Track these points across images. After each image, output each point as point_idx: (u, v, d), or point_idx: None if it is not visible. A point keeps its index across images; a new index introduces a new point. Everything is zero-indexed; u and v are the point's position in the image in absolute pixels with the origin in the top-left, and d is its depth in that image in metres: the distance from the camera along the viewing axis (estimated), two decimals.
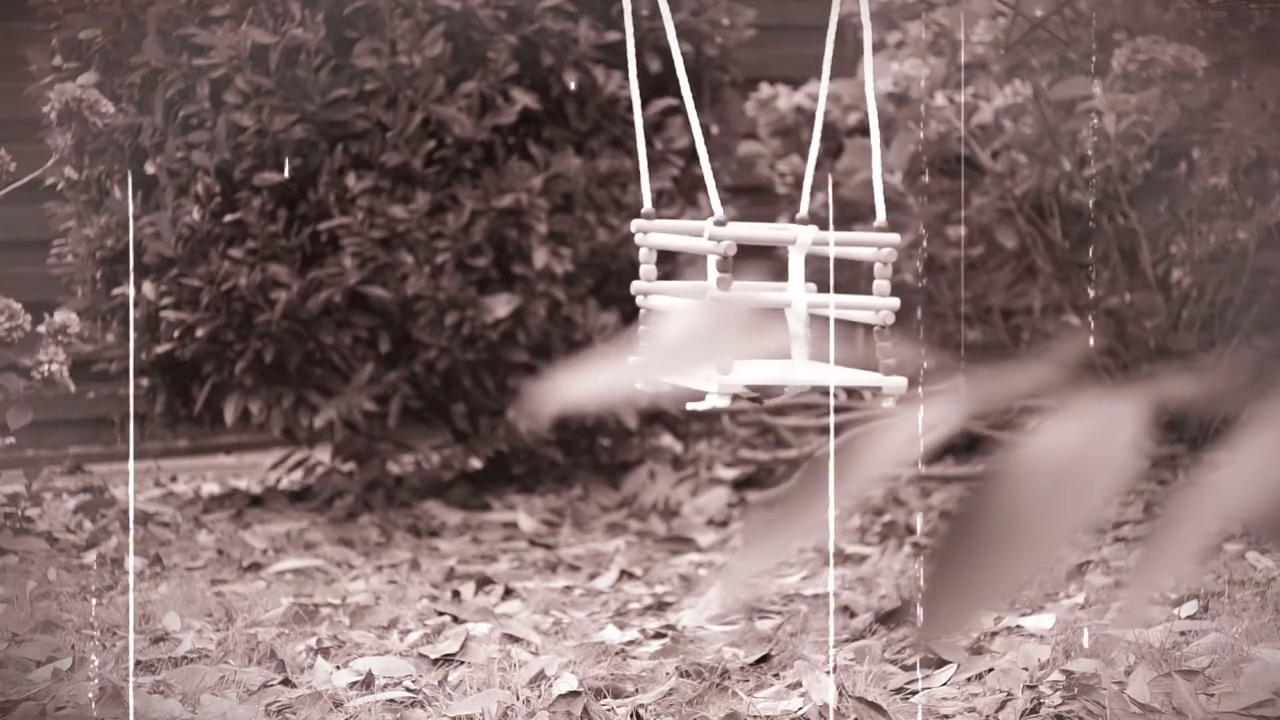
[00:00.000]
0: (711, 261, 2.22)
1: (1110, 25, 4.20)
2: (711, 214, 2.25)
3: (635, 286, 2.32)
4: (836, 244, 2.33)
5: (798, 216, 2.42)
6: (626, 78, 4.38)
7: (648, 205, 2.35)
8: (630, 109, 4.42)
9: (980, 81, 4.46)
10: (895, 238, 2.26)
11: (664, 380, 2.21)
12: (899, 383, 2.23)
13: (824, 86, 2.52)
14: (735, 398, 2.17)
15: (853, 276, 4.65)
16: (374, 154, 4.22)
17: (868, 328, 2.32)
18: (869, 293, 2.30)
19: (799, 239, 2.24)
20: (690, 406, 2.22)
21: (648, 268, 2.32)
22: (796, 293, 2.24)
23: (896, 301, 2.23)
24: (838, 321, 2.29)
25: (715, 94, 4.72)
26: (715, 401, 2.15)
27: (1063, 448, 0.61)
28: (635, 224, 2.33)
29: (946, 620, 0.63)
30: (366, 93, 4.22)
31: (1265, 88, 3.83)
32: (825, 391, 2.29)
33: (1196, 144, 4.21)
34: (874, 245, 2.26)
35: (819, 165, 2.60)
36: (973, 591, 0.61)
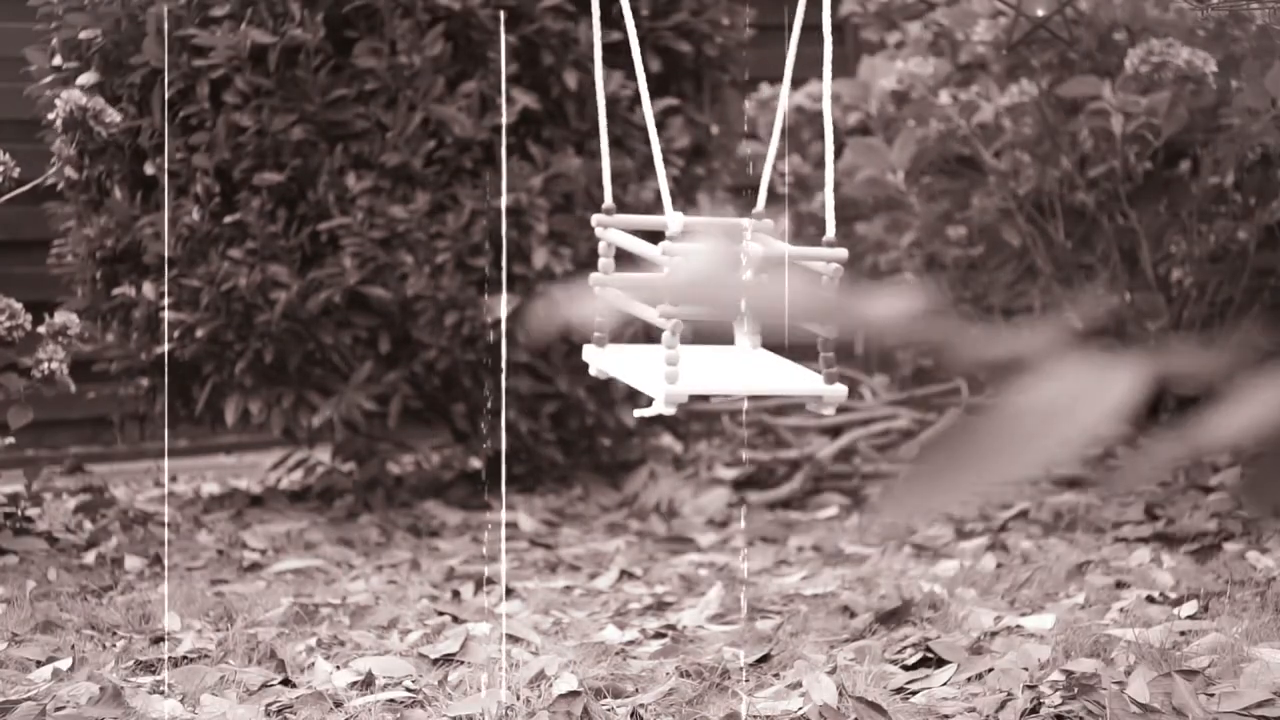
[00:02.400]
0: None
1: (1111, 25, 4.20)
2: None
3: (593, 278, 2.41)
4: (787, 260, 2.44)
5: (754, 211, 2.50)
6: (628, 77, 4.39)
7: (608, 200, 2.44)
8: (631, 108, 4.43)
9: (981, 82, 4.46)
10: (842, 253, 2.34)
11: (610, 373, 2.34)
12: (839, 391, 2.32)
13: (785, 88, 2.59)
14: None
15: (854, 275, 4.65)
16: (374, 154, 4.22)
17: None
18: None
19: (750, 255, 2.34)
20: (637, 414, 2.35)
21: (605, 260, 2.41)
22: (745, 306, 2.35)
23: None
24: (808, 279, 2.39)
25: (715, 94, 4.72)
26: (661, 409, 2.25)
27: (1053, 395, 0.62)
28: (595, 219, 2.42)
29: (908, 505, 0.64)
30: (366, 93, 4.22)
31: (1274, 85, 3.82)
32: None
33: (1199, 143, 4.21)
34: (823, 260, 2.35)
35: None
36: (936, 486, 0.62)
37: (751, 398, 2.68)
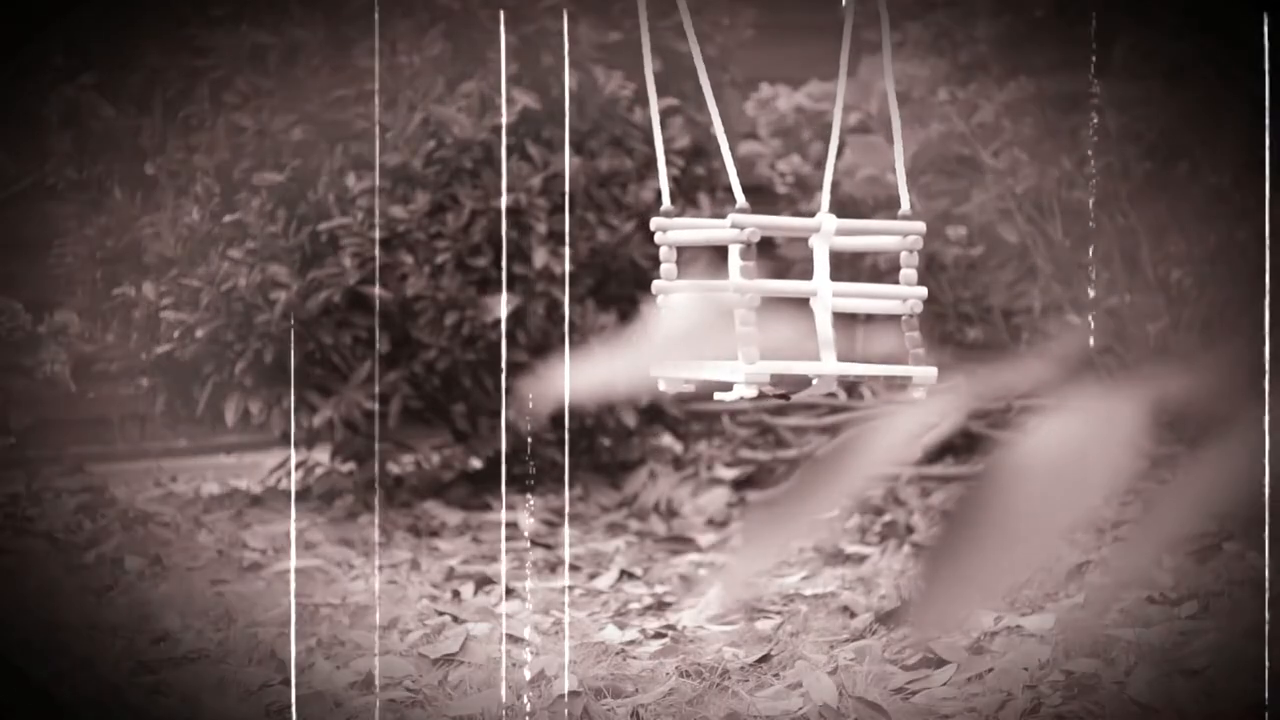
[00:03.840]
0: (734, 251, 2.18)
1: (1114, 25, 4.19)
2: (735, 205, 2.23)
3: (656, 285, 2.25)
4: (860, 233, 2.29)
5: (820, 214, 2.38)
6: (626, 78, 4.39)
7: (667, 203, 2.31)
8: (629, 108, 4.43)
9: (981, 81, 4.46)
10: (921, 225, 2.21)
11: (685, 377, 2.18)
12: (929, 373, 2.15)
13: (841, 81, 2.48)
14: (762, 393, 2.14)
15: (853, 274, 4.65)
16: (374, 154, 4.22)
17: (868, 321, 2.30)
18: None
19: (823, 227, 2.20)
20: (718, 397, 2.17)
21: (668, 266, 2.25)
22: (822, 282, 2.20)
23: (924, 290, 2.18)
24: (837, 317, 2.26)
25: (715, 94, 4.71)
26: (743, 391, 2.10)
27: (1060, 446, 0.61)
28: (655, 222, 2.27)
29: (945, 618, 0.63)
30: (366, 93, 4.22)
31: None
32: (832, 393, 2.27)
33: (1198, 143, 4.21)
34: (899, 234, 2.22)
35: (819, 165, 2.60)
36: (971, 589, 0.61)
37: (757, 401, 2.52)
